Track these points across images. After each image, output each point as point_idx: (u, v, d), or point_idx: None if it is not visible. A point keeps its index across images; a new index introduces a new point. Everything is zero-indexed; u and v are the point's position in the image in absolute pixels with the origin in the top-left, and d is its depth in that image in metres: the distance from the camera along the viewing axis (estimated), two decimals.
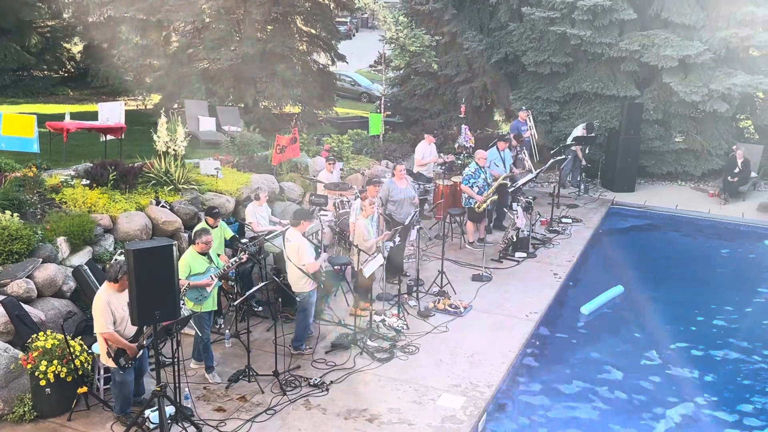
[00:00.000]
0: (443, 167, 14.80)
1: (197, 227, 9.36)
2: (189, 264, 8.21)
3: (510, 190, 13.39)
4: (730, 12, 16.75)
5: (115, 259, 9.33)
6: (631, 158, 17.44)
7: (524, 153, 15.01)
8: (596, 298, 11.47)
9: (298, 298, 8.99)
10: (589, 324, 10.94)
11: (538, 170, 14.67)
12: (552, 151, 16.30)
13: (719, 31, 16.78)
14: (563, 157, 15.81)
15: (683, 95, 16.90)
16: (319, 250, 9.23)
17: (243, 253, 9.08)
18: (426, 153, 14.23)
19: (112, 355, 7.10)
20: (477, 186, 12.56)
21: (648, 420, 8.36)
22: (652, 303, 11.59)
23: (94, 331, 7.19)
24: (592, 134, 17.21)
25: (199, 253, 8.29)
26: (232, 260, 8.80)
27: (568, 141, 16.97)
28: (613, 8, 17.11)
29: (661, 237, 15.58)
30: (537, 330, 10.25)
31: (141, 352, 7.30)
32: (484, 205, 12.58)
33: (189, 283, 8.13)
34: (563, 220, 14.89)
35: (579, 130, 17.09)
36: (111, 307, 7.03)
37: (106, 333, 7.04)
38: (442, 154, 14.75)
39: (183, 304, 7.87)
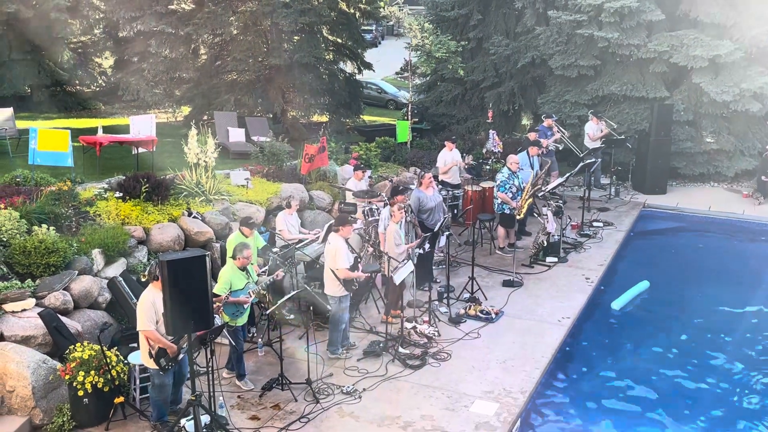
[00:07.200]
0: (472, 172, 14.69)
1: (231, 237, 9.48)
2: (230, 280, 8.26)
3: (540, 195, 13.31)
4: (760, 10, 16.49)
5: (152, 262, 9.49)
6: (662, 160, 17.22)
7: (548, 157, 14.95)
8: (625, 293, 11.49)
9: (330, 302, 9.05)
10: (623, 328, 10.80)
11: (567, 174, 14.56)
12: (581, 155, 16.17)
13: (750, 29, 16.53)
14: (593, 160, 15.65)
15: (714, 95, 16.67)
16: (358, 263, 9.24)
17: (279, 270, 9.20)
18: (447, 160, 14.14)
19: (153, 355, 7.18)
20: (510, 192, 12.49)
21: (682, 425, 8.23)
22: (686, 306, 11.42)
23: (137, 329, 7.28)
24: (622, 136, 17.03)
25: (239, 268, 8.36)
26: (269, 278, 9.00)
27: (585, 141, 16.82)
28: (640, 9, 16.97)
29: (695, 239, 15.31)
30: (570, 335, 10.16)
31: (181, 356, 7.38)
32: (524, 210, 12.49)
33: (228, 298, 8.20)
34: (594, 223, 14.73)
35: (591, 126, 16.89)
36: (155, 306, 7.11)
37: (147, 331, 7.13)
38: (465, 156, 14.51)
39: (219, 318, 7.98)
